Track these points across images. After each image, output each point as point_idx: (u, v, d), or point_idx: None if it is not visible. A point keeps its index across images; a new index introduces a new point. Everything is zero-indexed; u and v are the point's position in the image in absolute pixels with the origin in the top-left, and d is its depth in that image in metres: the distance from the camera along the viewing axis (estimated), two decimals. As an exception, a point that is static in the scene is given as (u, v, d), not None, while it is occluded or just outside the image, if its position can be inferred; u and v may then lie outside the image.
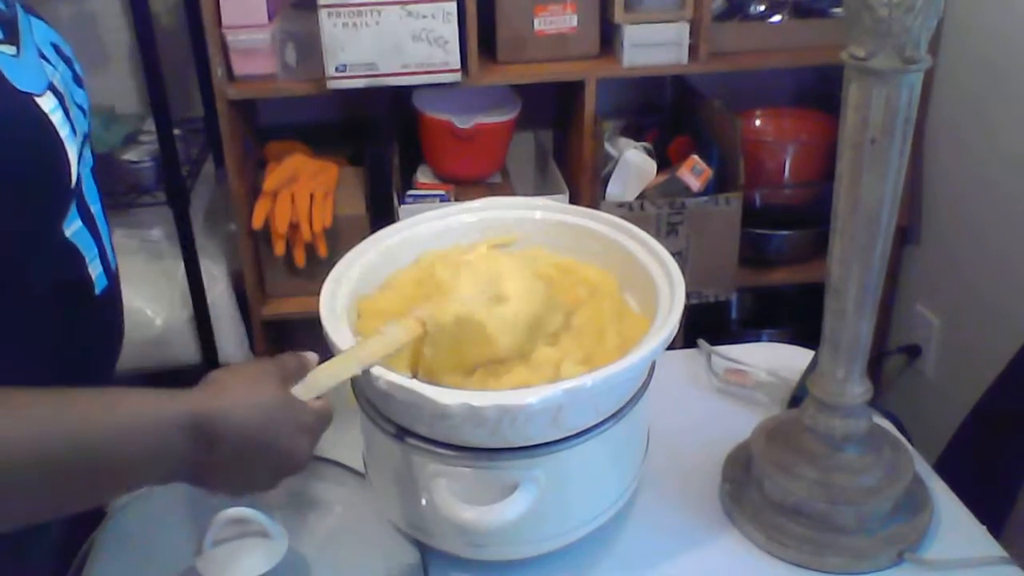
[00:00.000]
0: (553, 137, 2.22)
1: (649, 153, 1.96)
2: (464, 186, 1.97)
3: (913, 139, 0.79)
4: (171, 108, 1.74)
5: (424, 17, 1.71)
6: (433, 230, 0.99)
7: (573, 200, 1.92)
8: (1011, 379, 1.46)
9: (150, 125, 1.85)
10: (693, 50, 1.85)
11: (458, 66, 1.76)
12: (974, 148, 1.83)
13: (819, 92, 2.11)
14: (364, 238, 0.95)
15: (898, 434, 1.01)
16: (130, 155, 1.84)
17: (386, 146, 1.87)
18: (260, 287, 1.94)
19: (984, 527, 0.92)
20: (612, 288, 0.94)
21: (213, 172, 2.05)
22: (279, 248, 1.84)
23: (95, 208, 0.83)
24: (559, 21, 1.84)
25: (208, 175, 2.04)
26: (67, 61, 0.82)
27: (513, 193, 2.03)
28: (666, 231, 1.85)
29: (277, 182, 1.85)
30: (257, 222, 1.83)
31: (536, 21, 1.83)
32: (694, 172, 1.86)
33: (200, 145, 1.98)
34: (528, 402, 0.73)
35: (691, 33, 1.84)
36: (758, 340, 2.00)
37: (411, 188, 1.97)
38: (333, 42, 1.71)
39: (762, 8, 1.97)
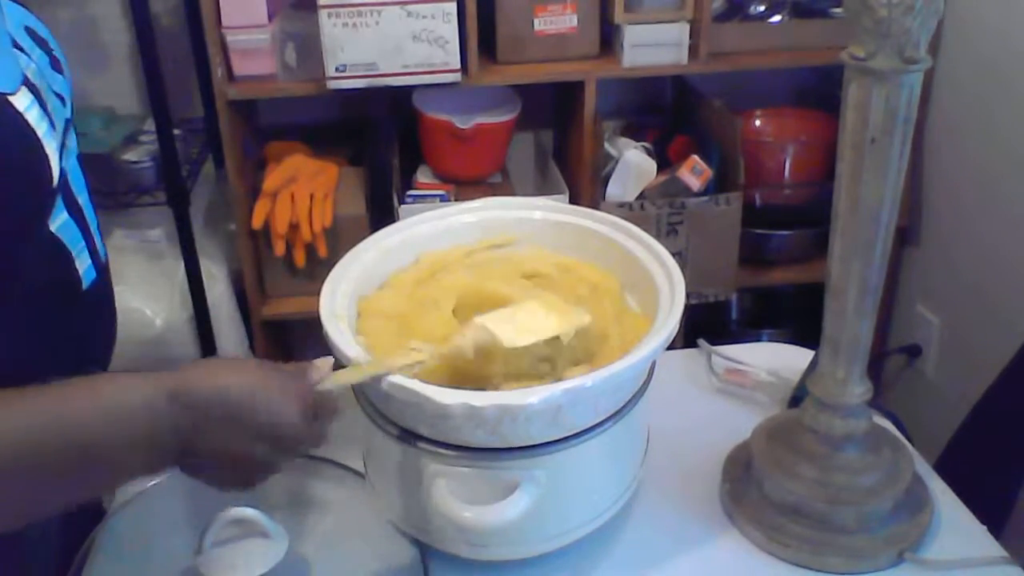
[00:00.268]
0: (553, 137, 2.22)
1: (649, 153, 1.96)
2: (464, 186, 1.97)
3: (913, 139, 0.79)
4: (171, 108, 1.74)
5: (424, 17, 1.71)
6: (433, 230, 0.99)
7: (573, 200, 1.92)
8: (1011, 379, 1.46)
9: (150, 125, 1.85)
10: (693, 50, 1.85)
11: (458, 66, 1.76)
12: (974, 148, 1.83)
13: (819, 92, 2.11)
14: (364, 238, 0.95)
15: (898, 434, 1.01)
16: (130, 155, 1.84)
17: (386, 146, 1.87)
18: (260, 287, 1.94)
19: (984, 527, 0.92)
20: (612, 288, 0.94)
21: (213, 172, 2.05)
22: (279, 248, 1.84)
23: (82, 198, 0.80)
24: (559, 21, 1.84)
25: (208, 175, 2.04)
26: (43, 44, 0.78)
27: (513, 193, 2.03)
28: (666, 231, 1.85)
29: (277, 182, 1.85)
30: (257, 222, 1.83)
31: (536, 21, 1.83)
32: (694, 172, 1.86)
33: (200, 145, 1.98)
34: (528, 402, 0.73)
35: (691, 33, 1.84)
36: (758, 340, 2.00)
37: (411, 188, 1.97)
38: (333, 42, 1.71)
39: (762, 8, 1.97)
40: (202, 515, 0.81)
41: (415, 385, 0.74)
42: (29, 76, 0.72)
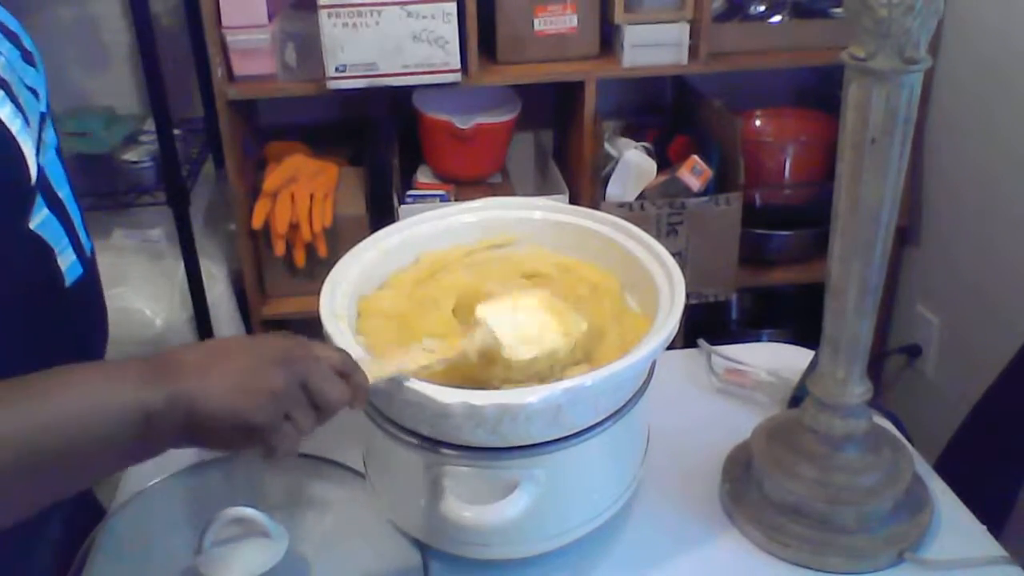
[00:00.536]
0: (553, 137, 2.22)
1: (649, 153, 1.96)
2: (464, 186, 1.97)
3: (913, 139, 0.79)
4: (171, 108, 1.74)
5: (424, 17, 1.71)
6: (433, 230, 0.99)
7: (573, 200, 1.92)
8: (1011, 379, 1.46)
9: (150, 125, 1.85)
10: (693, 50, 1.86)
11: (458, 66, 1.76)
12: (974, 148, 1.83)
13: (819, 92, 2.11)
14: (364, 238, 0.95)
15: (898, 434, 1.01)
16: (130, 155, 1.85)
17: (386, 146, 1.87)
18: (260, 287, 1.94)
19: (984, 527, 0.92)
20: (612, 288, 0.94)
21: (213, 172, 2.06)
22: (279, 248, 1.84)
23: (63, 192, 0.79)
24: (559, 21, 1.84)
25: (208, 175, 2.04)
26: (12, 37, 0.76)
27: (513, 193, 2.03)
28: (666, 231, 1.85)
29: (277, 182, 1.85)
30: (257, 222, 1.83)
31: (536, 21, 1.83)
32: (694, 172, 1.86)
33: (200, 145, 1.98)
34: (528, 401, 0.73)
35: (691, 33, 1.84)
36: (758, 340, 2.00)
37: (411, 188, 1.97)
38: (333, 42, 1.71)
39: (762, 8, 1.97)
40: (202, 515, 0.81)
41: (415, 384, 0.74)
42: None
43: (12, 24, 0.78)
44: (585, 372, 0.78)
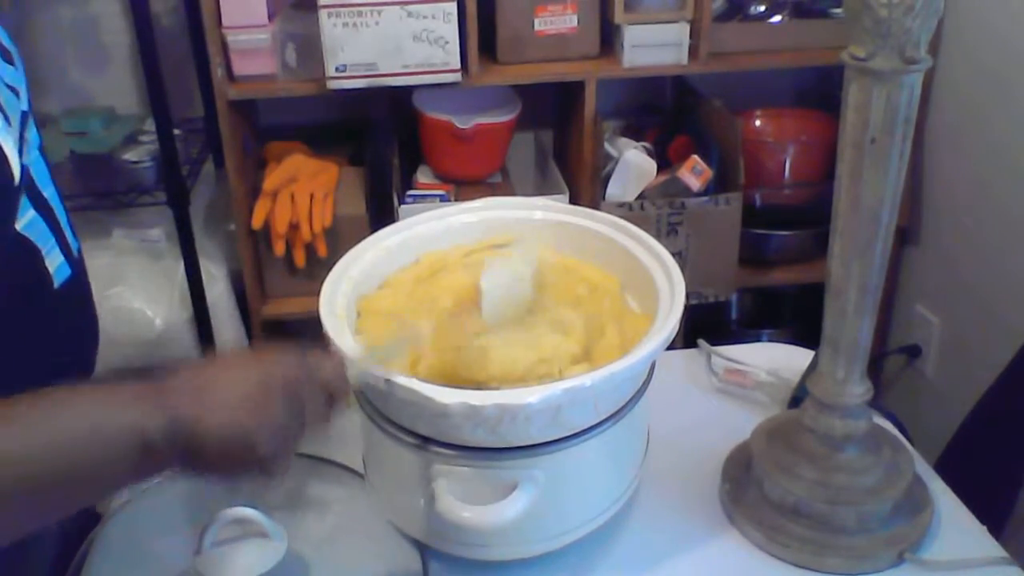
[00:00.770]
0: (553, 137, 2.22)
1: (649, 153, 1.96)
2: (464, 186, 1.97)
3: (913, 139, 0.79)
4: (171, 108, 1.74)
5: (424, 17, 1.71)
6: (433, 230, 0.99)
7: (573, 200, 1.92)
8: (1011, 379, 1.46)
9: (150, 125, 1.85)
10: (693, 50, 1.85)
11: (458, 66, 1.76)
12: (974, 148, 1.83)
13: (819, 92, 2.11)
14: (364, 238, 0.95)
15: (898, 434, 1.01)
16: (130, 155, 1.85)
17: (386, 146, 1.87)
18: (260, 287, 1.94)
19: (984, 527, 0.92)
20: (613, 288, 0.94)
21: (213, 172, 2.06)
22: (279, 248, 1.84)
23: (48, 191, 0.78)
24: (559, 21, 1.84)
25: (208, 175, 2.04)
26: None
27: (513, 193, 2.03)
28: (666, 231, 1.85)
29: (277, 182, 1.85)
30: (257, 222, 1.83)
31: (536, 21, 1.83)
32: (694, 172, 1.86)
33: (200, 145, 1.98)
34: (528, 401, 0.73)
35: (691, 33, 1.84)
36: (758, 340, 2.00)
37: (411, 188, 1.97)
38: (333, 42, 1.71)
39: (762, 8, 1.97)
40: (202, 515, 0.81)
41: (415, 384, 0.74)
42: None
43: None
44: (585, 372, 0.78)
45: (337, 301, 0.86)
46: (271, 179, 1.85)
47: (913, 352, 2.05)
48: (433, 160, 2.01)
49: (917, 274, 2.05)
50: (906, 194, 0.83)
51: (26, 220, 0.73)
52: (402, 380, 0.75)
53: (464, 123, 1.88)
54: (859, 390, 0.87)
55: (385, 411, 0.81)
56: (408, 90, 1.86)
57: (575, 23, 1.85)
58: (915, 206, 2.01)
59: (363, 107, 2.01)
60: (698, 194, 1.86)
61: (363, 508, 0.90)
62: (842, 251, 0.83)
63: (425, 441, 0.79)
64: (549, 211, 1.01)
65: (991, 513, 0.95)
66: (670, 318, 0.82)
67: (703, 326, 1.53)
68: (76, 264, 0.81)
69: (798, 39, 1.91)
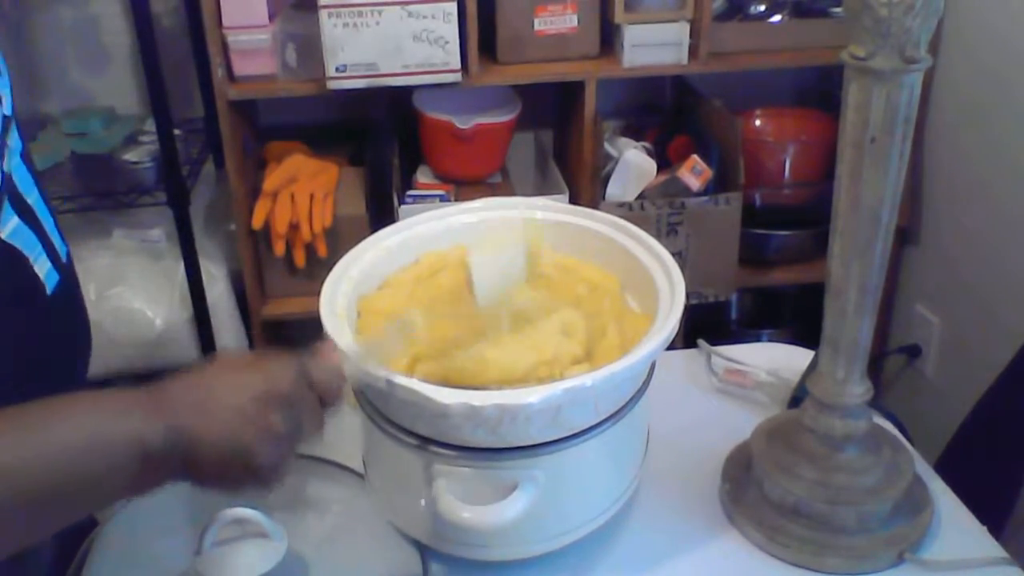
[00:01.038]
0: (553, 137, 2.22)
1: (649, 153, 1.96)
2: (464, 186, 1.97)
3: (913, 139, 0.79)
4: (171, 108, 1.74)
5: (424, 17, 1.71)
6: (433, 230, 0.99)
7: (573, 200, 1.92)
8: (1011, 379, 1.46)
9: (150, 125, 1.85)
10: (693, 50, 1.86)
11: (458, 66, 1.76)
12: (974, 148, 1.83)
13: (819, 92, 2.11)
14: (364, 238, 0.95)
15: (898, 434, 1.01)
16: (130, 155, 1.85)
17: (386, 146, 1.87)
18: (260, 287, 1.94)
19: (984, 527, 0.92)
20: (613, 288, 0.94)
21: (213, 172, 2.06)
22: (279, 248, 1.84)
23: (32, 198, 0.77)
24: (559, 21, 1.84)
25: (208, 175, 2.04)
26: None
27: (513, 193, 2.03)
28: (666, 231, 1.85)
29: (277, 182, 1.85)
30: (257, 222, 1.83)
31: (536, 21, 1.83)
32: (694, 172, 1.86)
33: (200, 145, 1.98)
34: (528, 402, 0.73)
35: (691, 33, 1.84)
36: (758, 340, 2.00)
37: (411, 188, 1.97)
38: (333, 42, 1.71)
39: (762, 8, 1.97)
40: (202, 515, 0.81)
41: (415, 385, 0.74)
42: None
43: None
44: (585, 372, 0.78)
45: (337, 301, 0.86)
46: (271, 179, 1.85)
47: (913, 352, 2.05)
48: (433, 160, 2.01)
49: (917, 274, 2.05)
50: (906, 194, 0.83)
51: (10, 228, 0.72)
52: (402, 380, 0.75)
53: (464, 123, 1.89)
54: (859, 390, 0.87)
55: (385, 411, 0.81)
56: (408, 90, 1.86)
57: (575, 23, 1.85)
58: (915, 206, 2.01)
59: (363, 107, 2.01)
60: (698, 194, 1.86)
61: (363, 508, 0.90)
62: (842, 251, 0.83)
63: (425, 441, 0.79)
64: (549, 211, 1.01)
65: (991, 513, 0.95)
66: (670, 318, 0.82)
67: (703, 326, 1.53)
68: (65, 270, 0.80)
69: (798, 39, 1.91)
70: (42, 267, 0.76)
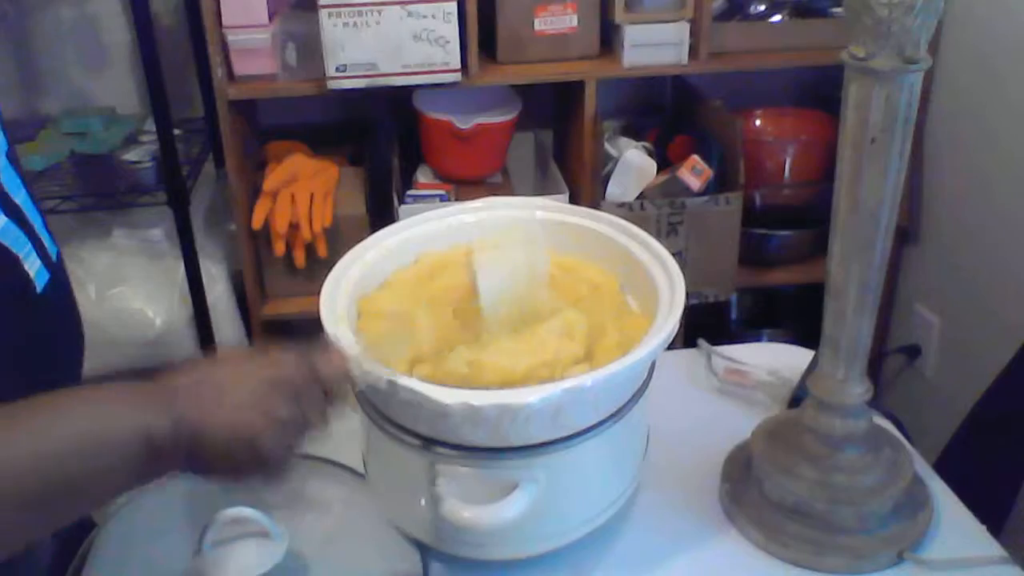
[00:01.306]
0: (553, 137, 2.22)
1: (649, 153, 1.96)
2: (464, 186, 1.97)
3: (913, 139, 0.79)
4: (171, 108, 1.74)
5: (424, 17, 1.71)
6: (433, 230, 0.99)
7: (573, 200, 1.92)
8: (1011, 379, 1.46)
9: (150, 125, 1.85)
10: (693, 50, 1.86)
11: (458, 66, 1.76)
12: (973, 148, 1.83)
13: (819, 92, 2.11)
14: (364, 238, 0.95)
15: (898, 434, 1.01)
16: (130, 155, 1.85)
17: (386, 146, 1.87)
18: (260, 287, 1.94)
19: (984, 527, 0.92)
20: (613, 287, 0.94)
21: (213, 172, 2.06)
22: (279, 248, 1.84)
23: (20, 197, 0.77)
24: (559, 21, 1.84)
25: (208, 175, 2.04)
26: None
27: (513, 193, 2.03)
28: (666, 231, 1.85)
29: (277, 182, 1.85)
30: (257, 222, 1.83)
31: (536, 21, 1.83)
32: (694, 172, 1.86)
33: (200, 145, 1.98)
34: (528, 401, 0.73)
35: (691, 33, 1.84)
36: (758, 340, 2.00)
37: (411, 188, 1.97)
38: (333, 42, 1.71)
39: (762, 8, 1.97)
40: (202, 515, 0.81)
41: (415, 385, 0.74)
42: None
43: None
44: (585, 372, 0.78)
45: (337, 301, 0.86)
46: (271, 179, 1.85)
47: (913, 352, 2.05)
48: (433, 160, 2.01)
49: (917, 274, 2.05)
50: (906, 194, 0.83)
51: None
52: (403, 380, 0.75)
53: (464, 123, 1.88)
54: (859, 390, 0.87)
55: (386, 411, 0.81)
56: (408, 90, 1.86)
57: (575, 23, 1.85)
58: (915, 206, 2.01)
59: (363, 107, 2.01)
60: (698, 194, 1.86)
61: (363, 508, 0.90)
62: (842, 251, 0.83)
63: (426, 441, 0.79)
64: (549, 211, 1.01)
65: (991, 513, 0.95)
66: (670, 318, 0.82)
67: (703, 326, 1.53)
68: (55, 268, 0.80)
69: (798, 39, 1.91)
70: (32, 265, 0.76)
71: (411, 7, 1.70)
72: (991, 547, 0.89)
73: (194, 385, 0.64)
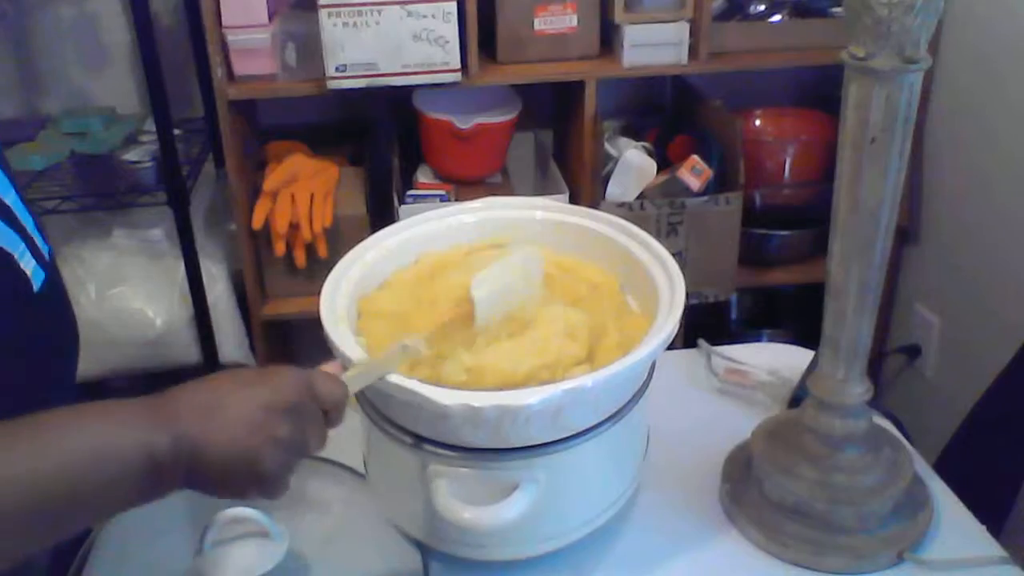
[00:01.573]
0: (553, 137, 2.22)
1: (649, 153, 1.96)
2: (464, 186, 1.97)
3: (913, 139, 0.79)
4: (171, 108, 1.74)
5: (424, 17, 1.71)
6: (433, 230, 0.99)
7: (573, 200, 1.92)
8: (1011, 379, 1.46)
9: (150, 125, 1.85)
10: (693, 50, 1.85)
11: (458, 66, 1.76)
12: (973, 148, 1.83)
13: (819, 92, 2.11)
14: (364, 238, 0.95)
15: (898, 434, 1.01)
16: (130, 155, 1.84)
17: (386, 146, 1.87)
18: (260, 287, 1.94)
19: (984, 527, 0.92)
20: (613, 287, 0.94)
21: (213, 172, 2.06)
22: (279, 248, 1.84)
23: (9, 198, 0.77)
24: (559, 21, 1.84)
25: (208, 175, 2.04)
26: None
27: (513, 193, 2.03)
28: (666, 231, 1.85)
29: (277, 182, 1.85)
30: (257, 222, 1.83)
31: (536, 21, 1.83)
32: (694, 172, 1.86)
33: (200, 145, 1.98)
34: (528, 402, 0.73)
35: (691, 33, 1.84)
36: (758, 340, 2.00)
37: (411, 188, 1.97)
38: (333, 42, 1.71)
39: (762, 8, 1.97)
40: (202, 515, 0.81)
41: (415, 385, 0.74)
42: None
43: None
44: (585, 372, 0.78)
45: (337, 301, 0.86)
46: (271, 179, 1.85)
47: (913, 352, 2.05)
48: (433, 160, 2.01)
49: (917, 274, 2.05)
50: (906, 194, 0.83)
51: None
52: (403, 382, 0.75)
53: (464, 123, 1.88)
54: (859, 390, 0.88)
55: (386, 412, 0.81)
56: (408, 90, 1.86)
57: (575, 23, 1.85)
58: (915, 206, 2.01)
59: (363, 107, 2.01)
60: (698, 194, 1.86)
61: (363, 508, 0.90)
62: (842, 251, 0.83)
63: (425, 442, 0.79)
64: (549, 211, 1.01)
65: (990, 513, 0.95)
66: (670, 318, 0.82)
67: (703, 326, 1.53)
68: (49, 268, 0.81)
69: (798, 39, 1.91)
70: (28, 264, 0.76)
71: (411, 7, 1.70)
72: (991, 547, 0.89)
73: (195, 404, 0.64)
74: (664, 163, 1.95)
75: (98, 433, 0.61)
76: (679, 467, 0.98)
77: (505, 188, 2.03)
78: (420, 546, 0.85)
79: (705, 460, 0.99)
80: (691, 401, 1.10)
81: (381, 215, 1.84)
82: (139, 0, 1.64)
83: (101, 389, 1.89)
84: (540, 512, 0.79)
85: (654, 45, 1.84)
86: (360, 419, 0.86)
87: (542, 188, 2.15)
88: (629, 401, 0.83)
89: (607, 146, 1.95)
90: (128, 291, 1.92)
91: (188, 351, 1.95)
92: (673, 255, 0.91)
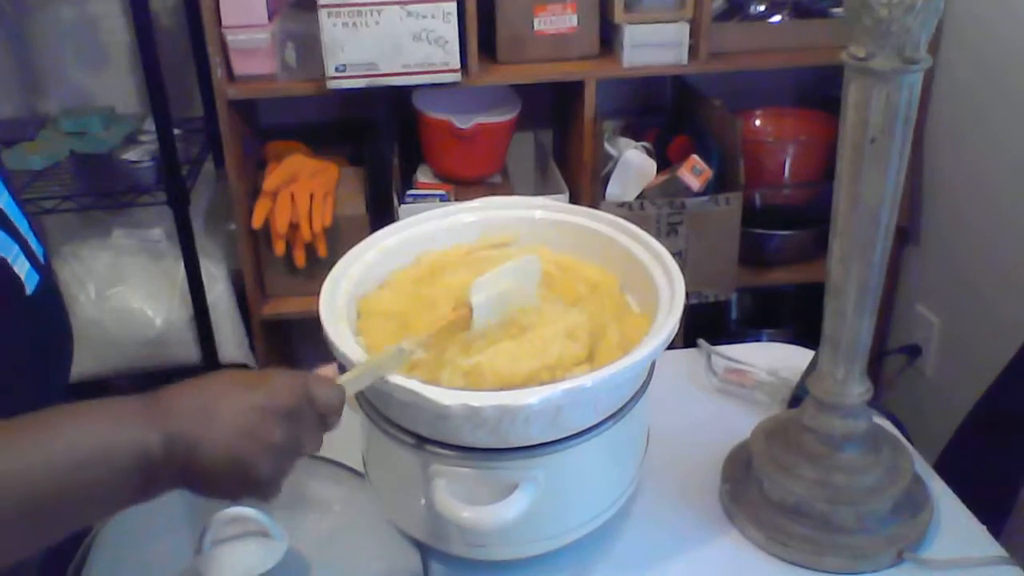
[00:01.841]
0: (553, 137, 2.22)
1: (649, 153, 1.96)
2: (464, 186, 1.97)
3: (913, 139, 0.79)
4: (171, 108, 1.74)
5: (424, 17, 1.71)
6: (433, 230, 0.99)
7: (573, 200, 1.92)
8: (1011, 379, 1.46)
9: (150, 125, 1.85)
10: (693, 50, 1.85)
11: (458, 66, 1.76)
12: (974, 148, 1.83)
13: (819, 92, 2.11)
14: (364, 238, 0.95)
15: (898, 434, 1.01)
16: (130, 155, 1.84)
17: (386, 146, 1.87)
18: (260, 287, 1.94)
19: (984, 527, 0.92)
20: (612, 287, 0.94)
21: (213, 172, 2.06)
22: (279, 248, 1.84)
23: (3, 200, 0.77)
24: (559, 21, 1.84)
25: (208, 175, 2.04)
26: None
27: (513, 193, 2.03)
28: (666, 231, 1.85)
29: (277, 182, 1.85)
30: (257, 222, 1.83)
31: (536, 21, 1.83)
32: (694, 172, 1.86)
33: (200, 145, 1.98)
34: (528, 402, 0.73)
35: (691, 33, 1.84)
36: (758, 340, 2.00)
37: (411, 188, 1.97)
38: (333, 42, 1.71)
39: (762, 8, 1.97)
40: (202, 515, 0.81)
41: (415, 385, 0.74)
42: None
43: None
44: (585, 372, 0.78)
45: (337, 301, 0.86)
46: (271, 179, 1.85)
47: (913, 352, 2.05)
48: (433, 160, 2.01)
49: (917, 274, 2.05)
50: (906, 194, 0.83)
51: None
52: (402, 382, 0.75)
53: (464, 123, 1.88)
54: (859, 390, 0.88)
55: (385, 412, 0.81)
56: (408, 90, 1.86)
57: (575, 23, 1.85)
58: (915, 206, 2.01)
59: (363, 107, 2.00)
60: (698, 194, 1.86)
61: (363, 508, 0.90)
62: (842, 251, 0.83)
63: (425, 442, 0.79)
64: (549, 211, 1.01)
65: (991, 513, 0.95)
66: (670, 318, 0.82)
67: (703, 326, 1.53)
68: (44, 270, 0.80)
69: (798, 39, 1.91)
70: (21, 267, 0.76)
71: (411, 7, 1.70)
72: (991, 547, 0.89)
73: (191, 404, 0.64)
74: (664, 163, 1.95)
75: (92, 432, 0.61)
76: (679, 467, 0.98)
77: (505, 188, 2.03)
78: (420, 546, 0.85)
79: (705, 460, 0.99)
80: (691, 401, 1.10)
81: (381, 215, 1.84)
82: (139, 0, 1.64)
83: (101, 389, 1.89)
84: (540, 512, 0.79)
85: (654, 45, 1.84)
86: (360, 419, 0.86)
87: (542, 188, 2.15)
88: (629, 401, 0.83)
89: (607, 146, 1.95)
90: (128, 291, 1.92)
91: (188, 351, 1.95)
92: (673, 255, 0.91)
